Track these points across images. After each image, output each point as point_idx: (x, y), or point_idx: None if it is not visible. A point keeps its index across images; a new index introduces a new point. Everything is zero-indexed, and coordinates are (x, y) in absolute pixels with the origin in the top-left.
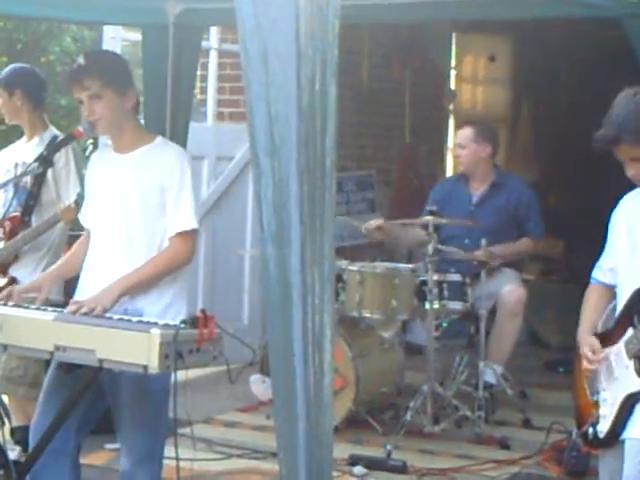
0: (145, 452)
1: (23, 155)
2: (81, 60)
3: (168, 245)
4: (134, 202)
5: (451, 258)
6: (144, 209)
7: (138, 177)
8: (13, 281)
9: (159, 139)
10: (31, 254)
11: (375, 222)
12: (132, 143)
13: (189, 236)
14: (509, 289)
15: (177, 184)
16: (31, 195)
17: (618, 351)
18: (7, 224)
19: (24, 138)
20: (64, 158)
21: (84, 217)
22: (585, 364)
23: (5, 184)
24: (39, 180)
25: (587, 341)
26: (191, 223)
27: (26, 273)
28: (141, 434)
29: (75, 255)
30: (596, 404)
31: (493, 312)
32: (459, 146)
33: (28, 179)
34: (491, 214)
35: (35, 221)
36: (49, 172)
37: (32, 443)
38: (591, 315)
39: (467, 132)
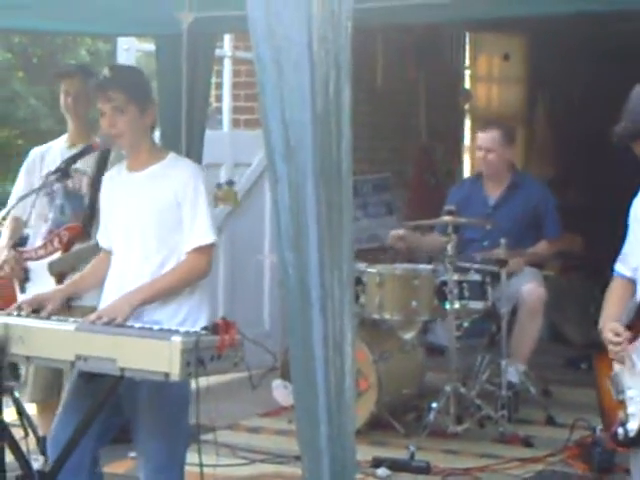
0: (164, 460)
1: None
2: (106, 72)
3: (185, 258)
4: (150, 219)
5: (471, 260)
6: (160, 225)
7: (152, 194)
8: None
9: (171, 155)
10: (88, 264)
11: (397, 232)
12: (146, 161)
13: (206, 250)
14: (529, 288)
15: (191, 198)
16: (90, 205)
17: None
18: (64, 234)
19: (63, 140)
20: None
21: (102, 238)
22: (611, 348)
23: (33, 192)
24: (95, 187)
25: (609, 326)
26: (208, 238)
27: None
28: (160, 442)
29: (92, 272)
30: (622, 403)
31: (514, 311)
32: (486, 150)
33: (83, 185)
34: (509, 216)
35: (94, 230)
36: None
37: (51, 453)
38: (614, 306)
39: (494, 135)
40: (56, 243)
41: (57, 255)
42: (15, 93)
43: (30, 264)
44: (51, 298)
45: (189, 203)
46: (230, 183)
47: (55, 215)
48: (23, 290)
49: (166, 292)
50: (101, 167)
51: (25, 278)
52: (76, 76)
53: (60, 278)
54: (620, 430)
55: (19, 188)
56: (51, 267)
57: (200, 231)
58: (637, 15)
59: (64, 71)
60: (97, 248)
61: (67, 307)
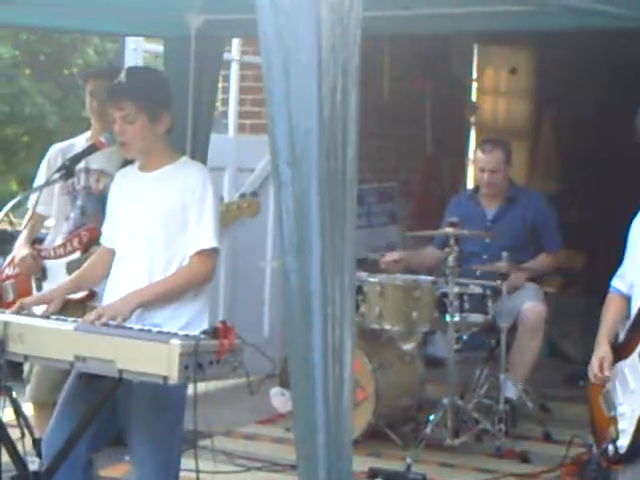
0: (160, 465)
1: (96, 161)
2: (122, 77)
3: (189, 262)
4: (156, 220)
5: (472, 273)
6: (166, 227)
7: (160, 195)
8: (93, 295)
9: (183, 158)
10: None
11: (392, 256)
12: (157, 162)
13: (209, 255)
14: (530, 306)
15: (198, 202)
16: None
17: (632, 363)
18: (84, 234)
19: (86, 140)
20: None
21: (104, 235)
22: (591, 377)
23: (43, 187)
24: None
25: (599, 352)
26: (211, 242)
27: (105, 285)
28: (156, 448)
29: (91, 268)
30: (614, 419)
31: (514, 326)
32: (490, 171)
33: (107, 187)
34: (508, 229)
35: None
36: None
37: (46, 454)
38: (611, 324)
39: (498, 156)
40: (75, 243)
41: (76, 255)
42: (22, 90)
43: (47, 262)
44: (52, 298)
45: (196, 207)
46: (254, 194)
47: (76, 215)
48: (39, 288)
49: (168, 295)
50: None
51: (42, 276)
52: (102, 78)
53: None
54: (610, 447)
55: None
56: (69, 267)
57: (203, 235)
58: None
59: (90, 72)
60: None
61: (83, 307)
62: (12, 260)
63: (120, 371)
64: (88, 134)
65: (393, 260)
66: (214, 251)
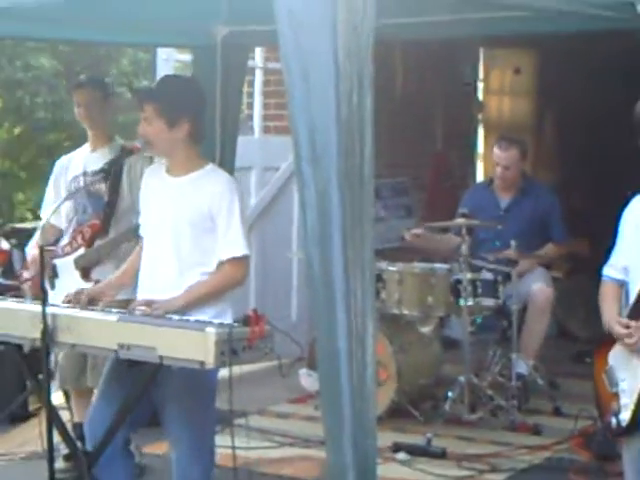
0: (197, 445)
1: (93, 163)
2: (154, 83)
3: (221, 269)
4: (183, 225)
5: (484, 261)
6: (193, 231)
7: (187, 202)
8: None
9: (209, 166)
10: (112, 257)
11: (416, 230)
12: (183, 168)
13: (242, 262)
14: (538, 288)
15: (226, 210)
16: (109, 204)
17: None
18: (87, 230)
19: (86, 147)
20: (140, 169)
21: (142, 228)
22: (627, 341)
23: (75, 193)
24: (116, 189)
25: (616, 321)
26: (241, 249)
27: (108, 275)
28: (191, 429)
29: (133, 265)
30: (616, 395)
31: (524, 309)
32: (504, 167)
33: (103, 187)
34: (520, 219)
35: (112, 229)
36: (125, 182)
37: (89, 435)
38: (613, 306)
39: (513, 154)
40: (80, 240)
41: (81, 251)
42: (61, 99)
43: (57, 261)
44: (105, 291)
45: (224, 215)
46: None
47: (78, 216)
48: (53, 287)
49: (202, 300)
50: (117, 170)
51: (53, 275)
52: (84, 87)
53: (85, 272)
54: (613, 420)
55: (49, 198)
56: (76, 262)
57: (233, 243)
58: None
59: (75, 83)
60: (115, 242)
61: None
62: (28, 264)
63: (161, 357)
64: (87, 144)
65: (416, 234)
66: (245, 258)
